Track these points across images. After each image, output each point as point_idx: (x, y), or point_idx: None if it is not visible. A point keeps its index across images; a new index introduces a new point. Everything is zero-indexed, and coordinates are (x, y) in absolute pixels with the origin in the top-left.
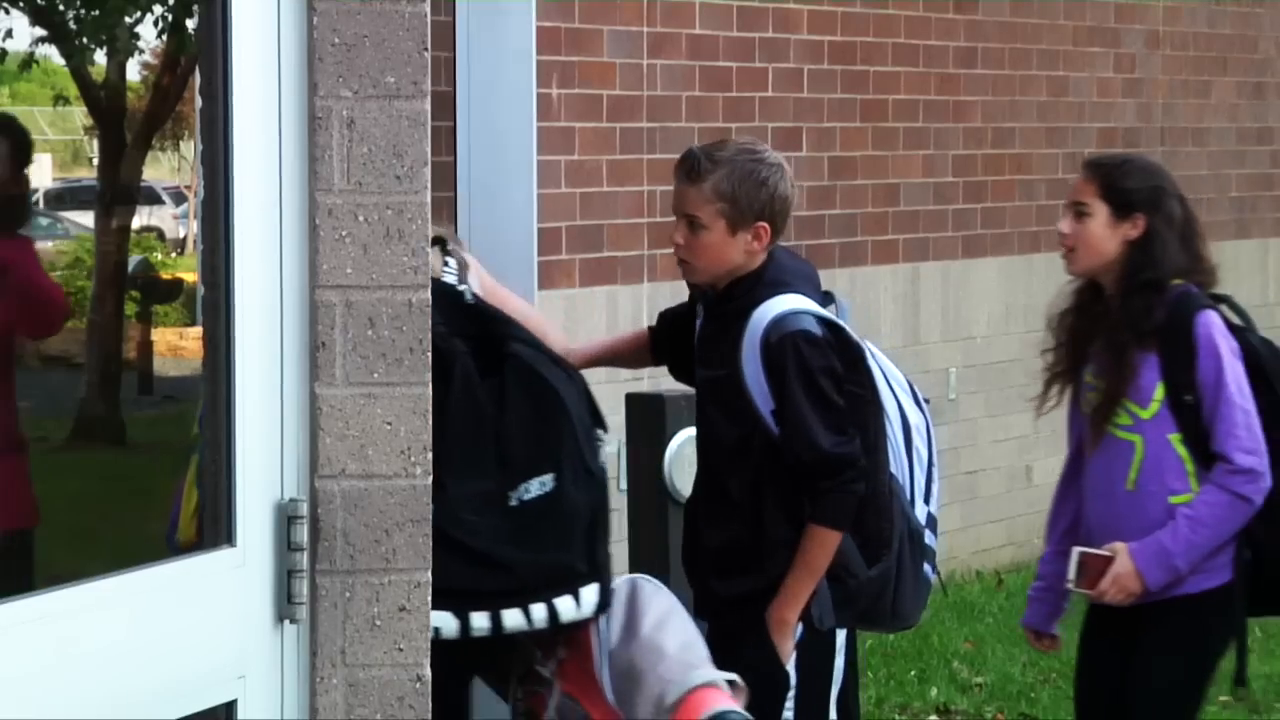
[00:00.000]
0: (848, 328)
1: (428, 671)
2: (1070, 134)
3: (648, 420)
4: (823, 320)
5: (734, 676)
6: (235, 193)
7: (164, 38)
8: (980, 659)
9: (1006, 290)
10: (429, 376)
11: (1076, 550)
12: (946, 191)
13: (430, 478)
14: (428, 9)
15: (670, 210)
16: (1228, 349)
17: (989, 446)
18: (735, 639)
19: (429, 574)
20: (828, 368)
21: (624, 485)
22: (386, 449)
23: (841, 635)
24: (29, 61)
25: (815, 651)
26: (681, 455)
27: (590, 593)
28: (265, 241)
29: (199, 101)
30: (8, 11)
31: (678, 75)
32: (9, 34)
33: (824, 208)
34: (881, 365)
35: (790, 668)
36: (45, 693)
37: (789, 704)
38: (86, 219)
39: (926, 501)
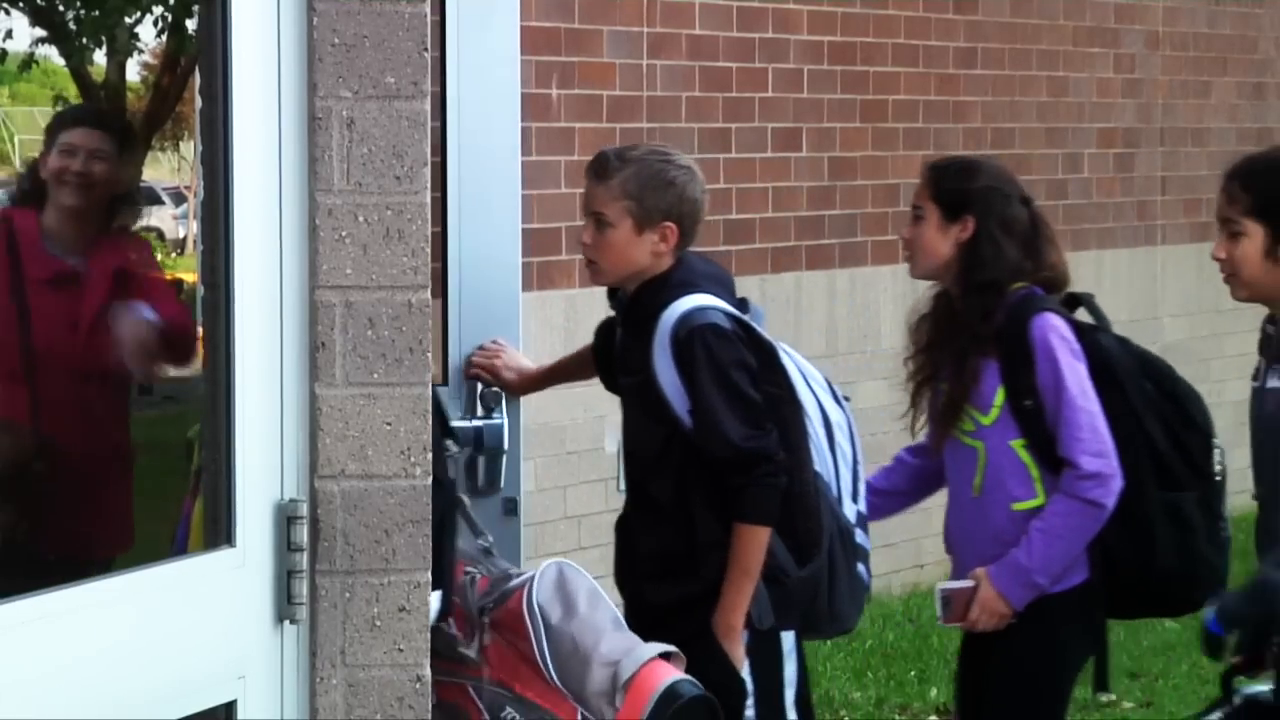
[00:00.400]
0: (759, 329)
1: (428, 672)
2: (1070, 134)
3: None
4: (733, 317)
5: (671, 647)
6: (235, 193)
7: (164, 38)
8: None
9: None
10: (429, 377)
11: (939, 588)
12: None
13: (430, 478)
14: (428, 9)
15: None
16: (1066, 351)
17: None
18: (671, 630)
19: (429, 574)
20: (739, 361)
21: (624, 485)
22: (386, 449)
23: (789, 638)
24: (29, 61)
25: (764, 654)
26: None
27: (434, 599)
28: (265, 242)
29: (199, 102)
30: (8, 12)
31: (678, 75)
32: (9, 34)
33: (824, 208)
34: (798, 364)
35: (745, 674)
36: (45, 693)
37: (750, 711)
38: None
39: (855, 500)
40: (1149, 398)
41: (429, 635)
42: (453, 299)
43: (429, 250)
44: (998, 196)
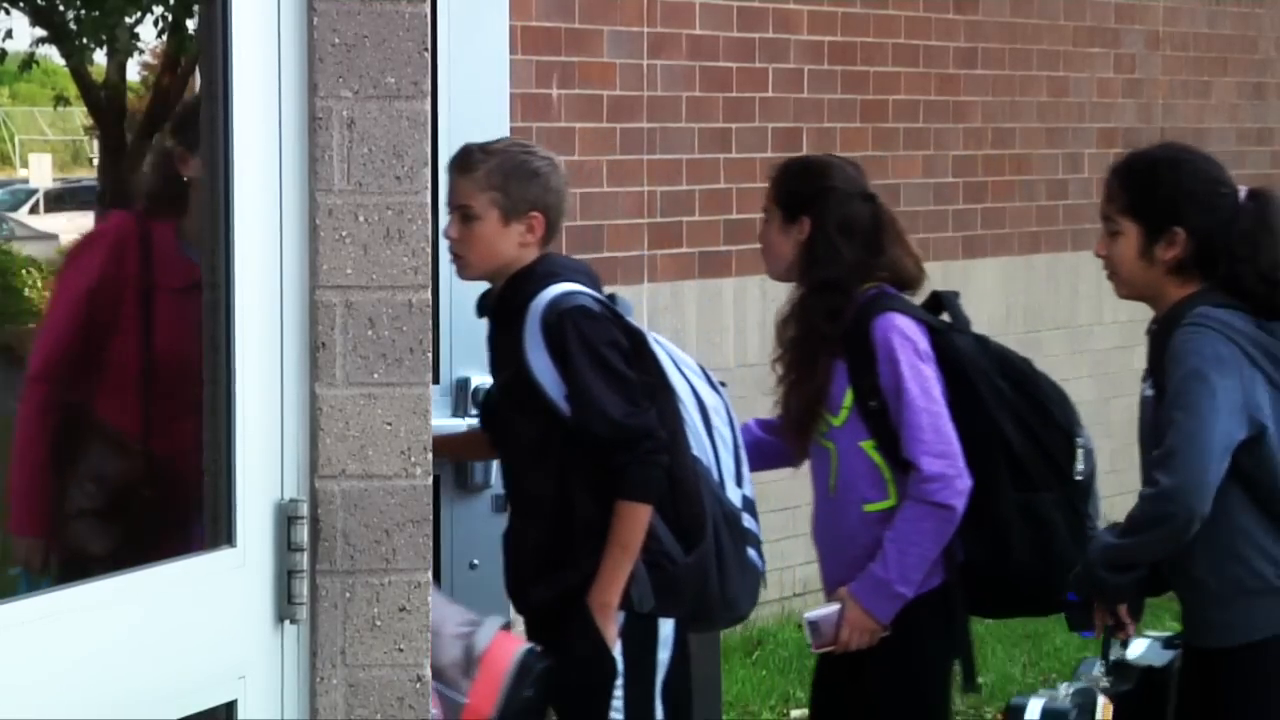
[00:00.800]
0: (627, 317)
1: (428, 672)
2: (1070, 134)
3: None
4: (601, 303)
5: (505, 619)
6: (235, 193)
7: (164, 38)
8: (980, 659)
9: (1006, 291)
10: (429, 377)
11: (805, 616)
12: (946, 192)
13: (430, 478)
14: (428, 9)
15: (666, 211)
16: (910, 351)
17: None
18: (557, 630)
19: (429, 574)
20: (611, 340)
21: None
22: (386, 449)
23: (668, 627)
24: (29, 61)
25: (638, 638)
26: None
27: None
28: (265, 242)
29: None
30: (8, 12)
31: (678, 75)
32: (9, 34)
33: None
34: (668, 350)
35: (616, 654)
36: (46, 693)
37: (617, 691)
38: (59, 220)
39: (740, 484)
40: (1004, 397)
41: (430, 635)
42: (444, 298)
43: (429, 250)
44: (835, 196)
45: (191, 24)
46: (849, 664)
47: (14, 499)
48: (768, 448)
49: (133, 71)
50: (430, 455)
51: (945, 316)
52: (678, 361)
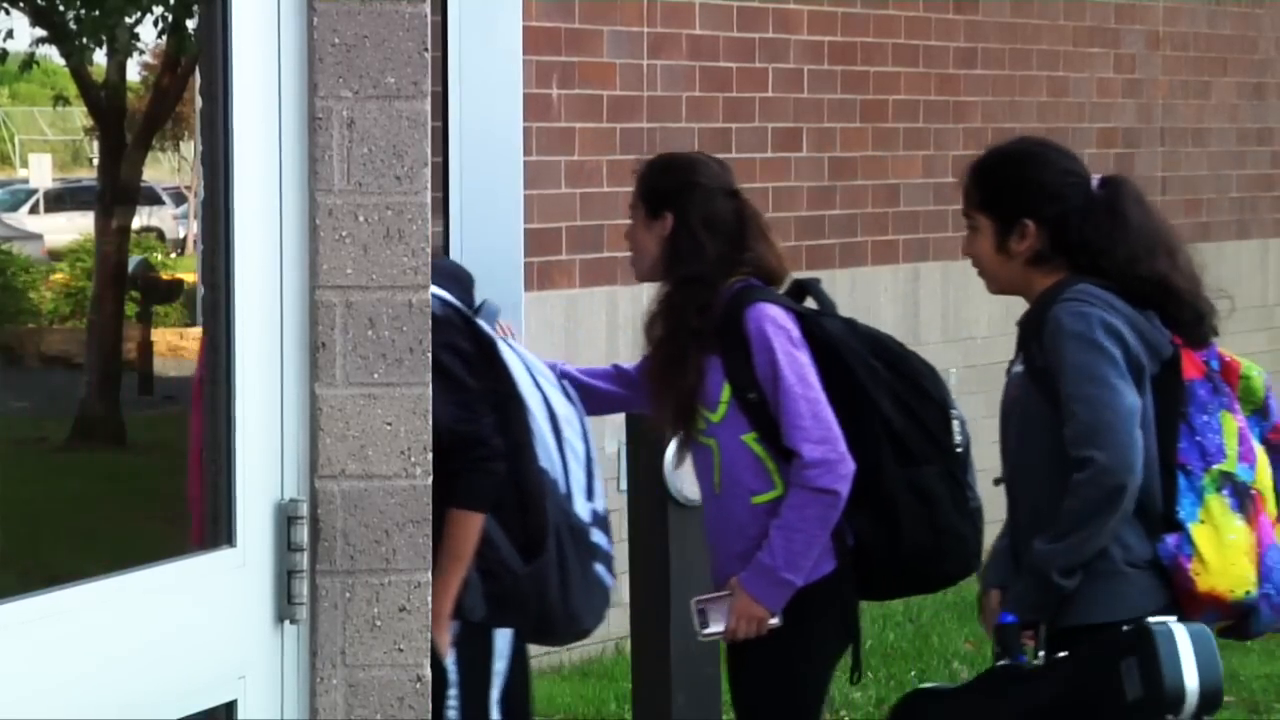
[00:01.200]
0: (482, 324)
1: (428, 672)
2: (1070, 135)
3: (647, 421)
4: (453, 308)
5: None
6: (235, 193)
7: (164, 38)
8: (980, 659)
9: None
10: (429, 377)
11: (694, 601)
12: (946, 192)
13: (430, 478)
14: (428, 9)
15: None
16: (784, 339)
17: (989, 447)
18: None
19: (429, 574)
20: (449, 344)
21: (624, 485)
22: (386, 449)
23: (505, 638)
24: (29, 62)
25: (472, 647)
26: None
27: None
28: (265, 242)
29: (199, 102)
30: (8, 12)
31: (678, 75)
32: (9, 34)
33: (824, 208)
34: (525, 360)
35: (450, 663)
36: (46, 693)
37: (452, 701)
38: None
39: (590, 498)
40: (879, 377)
41: (429, 635)
42: None
43: (429, 250)
44: (699, 192)
45: (191, 24)
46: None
47: (194, 509)
48: (609, 395)
49: (133, 71)
50: (430, 455)
51: (811, 303)
52: (533, 371)
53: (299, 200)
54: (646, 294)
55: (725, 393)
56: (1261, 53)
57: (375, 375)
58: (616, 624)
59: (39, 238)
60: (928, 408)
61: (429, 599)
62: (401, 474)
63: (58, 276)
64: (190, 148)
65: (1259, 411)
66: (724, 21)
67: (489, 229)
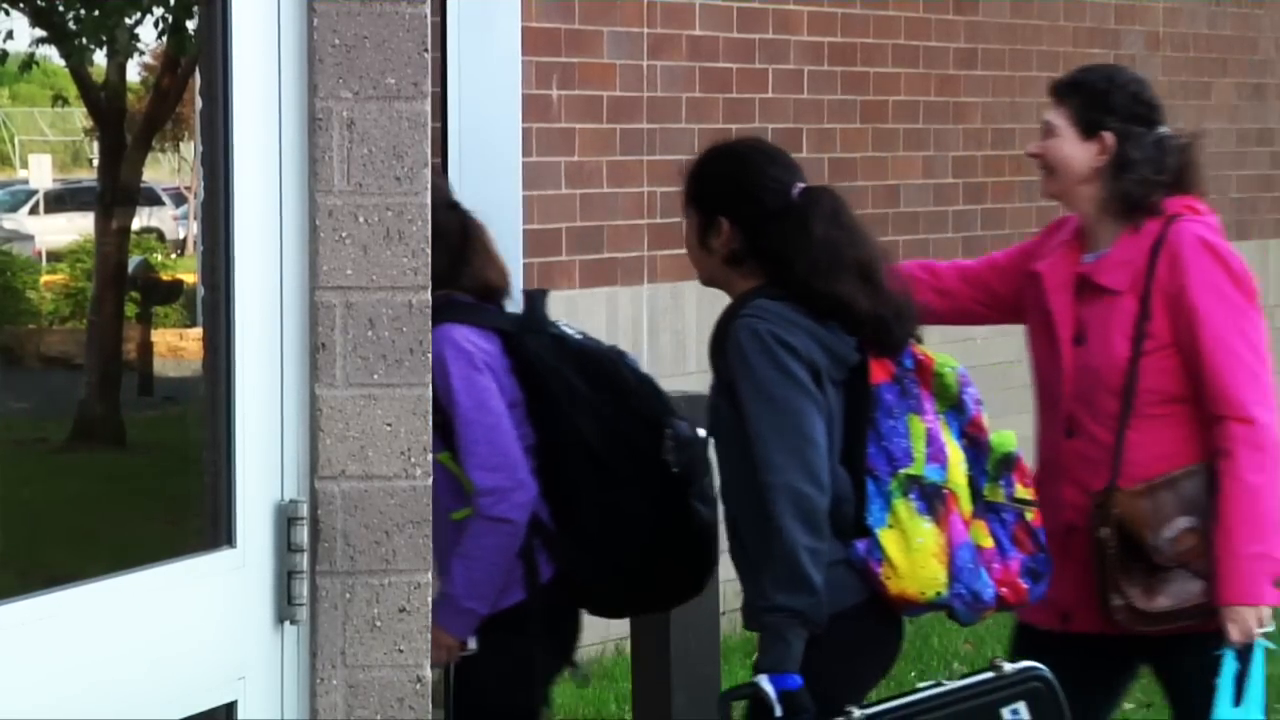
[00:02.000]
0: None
1: (428, 672)
2: None
3: None
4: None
5: None
6: (235, 194)
7: (164, 39)
8: (980, 659)
9: None
10: (429, 377)
11: None
12: (946, 193)
13: (430, 479)
14: (428, 10)
15: (666, 212)
16: (463, 362)
17: None
18: None
19: (429, 575)
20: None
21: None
22: (387, 450)
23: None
24: (29, 62)
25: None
26: None
27: None
28: (265, 243)
29: (199, 102)
30: (8, 12)
31: (678, 76)
32: (9, 35)
33: None
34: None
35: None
36: (46, 694)
37: None
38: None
39: None
40: (579, 396)
41: (429, 636)
42: None
43: (429, 251)
44: (438, 210)
45: (191, 25)
46: None
47: None
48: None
49: (133, 72)
50: (430, 456)
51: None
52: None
53: (299, 201)
54: (646, 296)
55: None
56: (1261, 53)
57: (375, 376)
58: (617, 624)
59: (30, 238)
60: (635, 426)
61: (429, 599)
62: (402, 475)
63: (58, 277)
64: (190, 148)
65: (955, 407)
66: (724, 22)
67: (489, 230)
